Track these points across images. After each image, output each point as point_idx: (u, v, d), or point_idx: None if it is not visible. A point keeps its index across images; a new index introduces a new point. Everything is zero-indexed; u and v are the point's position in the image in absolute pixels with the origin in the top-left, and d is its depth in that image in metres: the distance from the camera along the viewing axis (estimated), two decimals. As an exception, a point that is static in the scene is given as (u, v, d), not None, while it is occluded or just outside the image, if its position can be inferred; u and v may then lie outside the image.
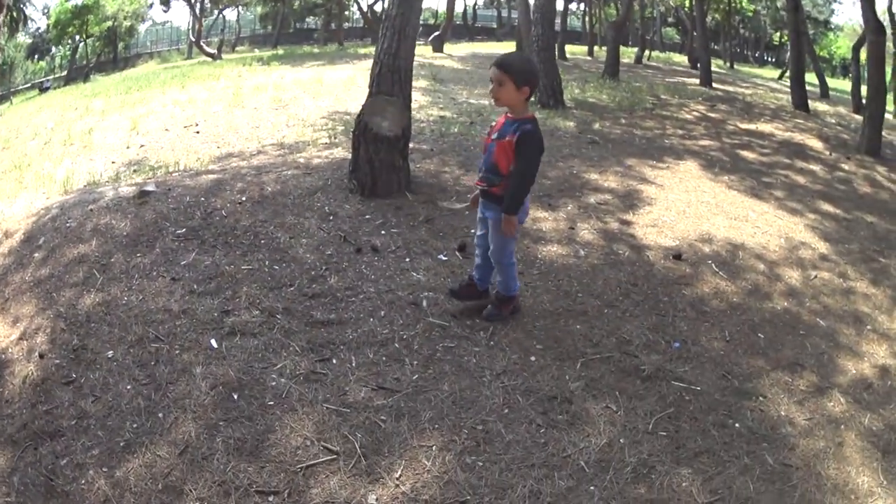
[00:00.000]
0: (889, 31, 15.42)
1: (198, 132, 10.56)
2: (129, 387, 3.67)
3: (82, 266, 4.98)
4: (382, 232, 5.42)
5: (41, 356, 4.10)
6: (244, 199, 5.69)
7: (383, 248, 5.17)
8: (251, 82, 16.72)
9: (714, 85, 19.77)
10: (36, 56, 69.08)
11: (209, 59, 32.87)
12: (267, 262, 4.82)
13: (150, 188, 6.06)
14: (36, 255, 5.41)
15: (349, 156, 6.51)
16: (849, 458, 3.77)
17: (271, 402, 3.55)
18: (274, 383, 3.69)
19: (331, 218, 5.56)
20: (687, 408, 3.89)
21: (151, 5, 58.12)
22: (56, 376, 3.90)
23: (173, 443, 3.29)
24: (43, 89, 47.44)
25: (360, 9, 48.32)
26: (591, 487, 3.25)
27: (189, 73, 22.43)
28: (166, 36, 63.75)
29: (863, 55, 22.13)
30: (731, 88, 20.37)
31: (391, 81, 6.30)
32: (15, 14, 37.88)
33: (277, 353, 3.93)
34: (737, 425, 3.83)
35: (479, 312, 4.46)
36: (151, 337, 4.05)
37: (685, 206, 6.98)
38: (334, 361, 3.91)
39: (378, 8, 44.67)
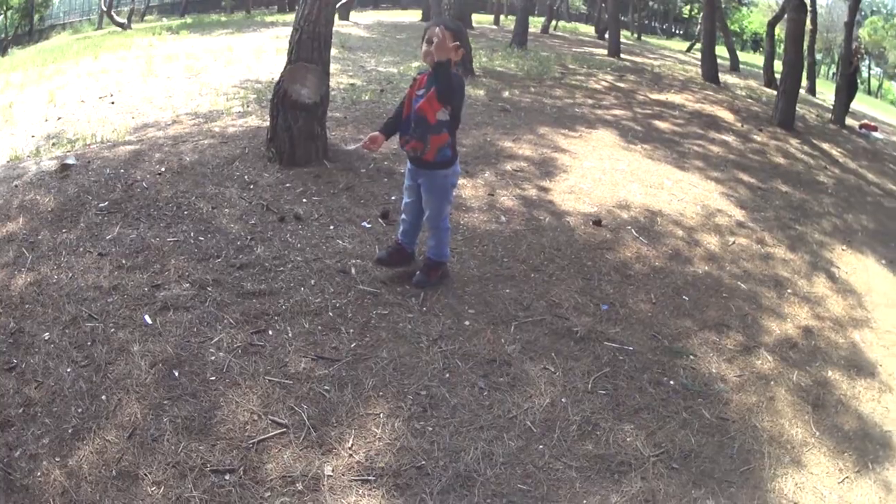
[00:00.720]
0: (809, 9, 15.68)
1: (112, 103, 9.85)
2: (69, 370, 3.40)
3: (11, 245, 4.59)
4: (304, 200, 5.21)
5: None
6: (164, 169, 5.40)
7: (306, 216, 4.98)
8: (162, 51, 15.82)
9: (622, 56, 19.56)
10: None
11: (119, 29, 31.27)
12: (192, 234, 4.56)
13: (70, 161, 5.65)
14: None
15: (264, 124, 6.26)
16: (781, 411, 3.86)
17: (213, 378, 3.36)
18: (213, 357, 3.49)
19: (251, 187, 5.32)
20: (622, 367, 3.90)
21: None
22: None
23: (121, 426, 3.06)
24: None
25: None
26: (541, 446, 3.23)
27: (101, 44, 21.16)
28: (78, 6, 60.55)
29: (778, 31, 22.58)
30: (639, 59, 20.27)
31: (311, 48, 6.01)
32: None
33: (213, 327, 3.72)
34: (671, 382, 3.87)
35: (409, 279, 4.34)
36: (85, 316, 3.76)
37: (601, 174, 6.95)
38: (270, 333, 3.73)
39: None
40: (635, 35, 37.96)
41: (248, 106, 8.39)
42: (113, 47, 18.79)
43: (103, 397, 3.22)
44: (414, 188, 4.19)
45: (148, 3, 53.29)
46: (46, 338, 3.64)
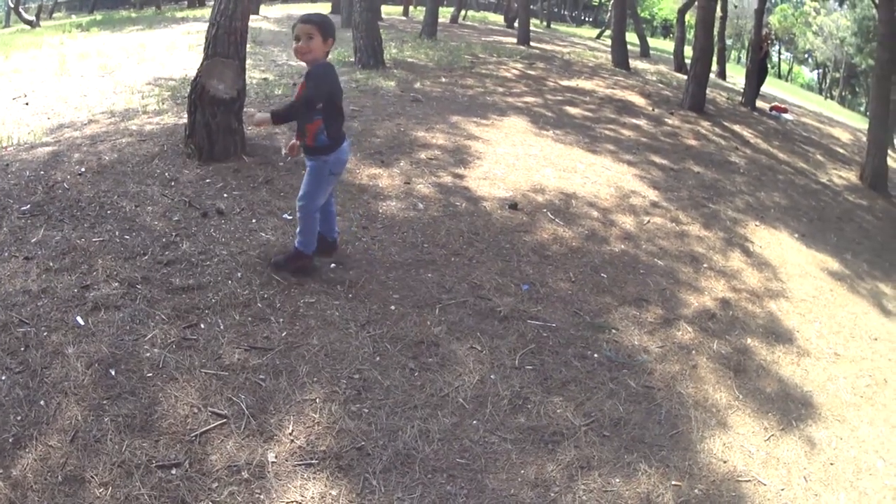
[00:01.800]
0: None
1: (27, 104, 9.13)
2: (3, 377, 3.13)
3: None
4: (225, 195, 4.98)
5: None
6: (84, 170, 5.08)
7: (228, 210, 4.76)
8: (74, 49, 14.77)
9: (532, 44, 19.12)
10: None
11: (27, 27, 29.49)
12: (117, 233, 4.30)
13: None
14: None
15: (180, 121, 5.97)
16: (704, 378, 3.93)
17: (150, 374, 3.18)
18: (148, 354, 3.30)
19: (172, 184, 5.05)
20: (546, 343, 3.90)
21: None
22: None
23: (62, 430, 2.86)
24: None
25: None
26: (475, 422, 3.21)
27: (10, 42, 19.71)
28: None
29: (688, 17, 22.71)
30: (549, 47, 19.92)
31: (227, 43, 5.72)
32: None
33: (145, 324, 3.51)
34: (595, 356, 3.89)
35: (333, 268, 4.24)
36: (16, 321, 3.48)
37: (514, 160, 6.86)
38: (202, 326, 3.56)
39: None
40: (544, 23, 37.17)
41: (163, 103, 8.00)
42: (23, 46, 17.56)
43: (42, 402, 2.99)
44: None
45: (55, 1, 50.51)
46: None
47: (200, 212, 4.68)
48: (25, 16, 34.08)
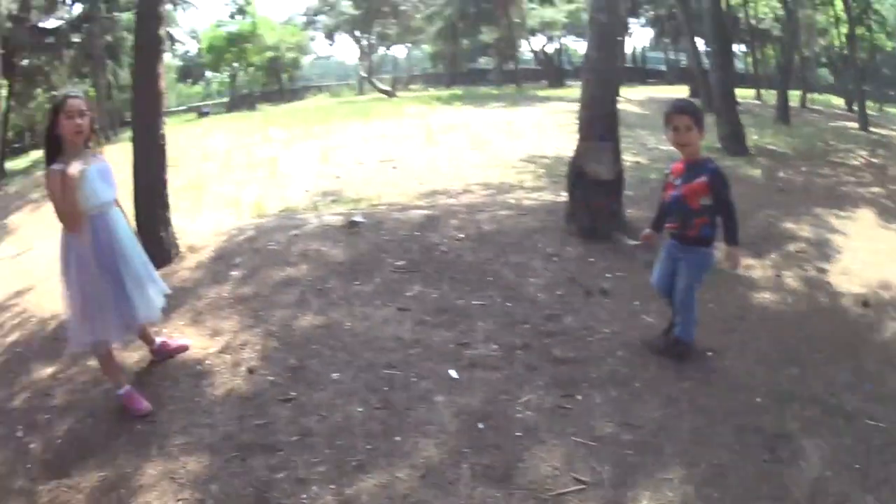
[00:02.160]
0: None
1: (395, 168, 11.29)
2: (360, 409, 4.03)
3: (293, 288, 5.52)
4: (608, 275, 5.71)
5: (251, 371, 4.55)
6: (462, 236, 6.07)
7: (612, 291, 5.46)
8: (439, 121, 17.61)
9: (870, 129, 20.08)
10: (189, 79, 73.31)
11: (384, 97, 34.21)
12: (499, 299, 5.17)
13: (358, 219, 6.62)
14: (233, 273, 6.05)
15: (558, 198, 6.83)
16: None
17: (519, 433, 3.83)
18: (520, 415, 3.98)
19: (555, 259, 5.90)
20: (874, 442, 4.01)
21: (314, 38, 60.57)
22: (271, 392, 4.31)
23: (413, 466, 3.59)
24: (202, 114, 50.24)
25: (532, 50, 49.14)
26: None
27: (369, 110, 23.58)
28: (332, 70, 66.61)
29: None
30: (884, 132, 20.58)
31: (602, 127, 6.57)
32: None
33: (521, 387, 4.23)
34: None
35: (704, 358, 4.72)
36: (383, 363, 4.42)
37: (867, 255, 7.13)
38: (579, 397, 4.17)
39: (550, 49, 45.47)
40: (877, 105, 36.84)
41: (539, 179, 9.17)
42: (383, 114, 20.85)
43: (397, 438, 3.79)
44: (673, 262, 4.57)
45: (410, 72, 57.16)
46: (335, 377, 4.36)
47: (584, 289, 5.45)
48: (381, 85, 39.59)
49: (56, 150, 4.23)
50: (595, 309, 5.19)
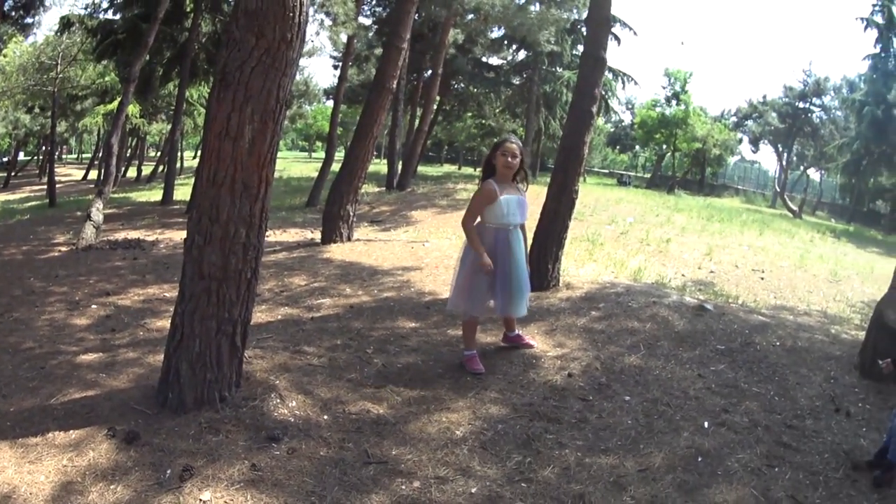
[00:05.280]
0: None
1: (762, 278, 12.43)
2: (629, 420, 5.21)
3: (631, 337, 6.88)
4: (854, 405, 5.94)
5: (569, 375, 6.05)
6: (777, 344, 6.83)
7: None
8: (817, 250, 18.07)
9: None
10: (617, 147, 76.02)
11: (789, 215, 34.30)
12: (771, 393, 5.84)
13: (708, 307, 7.75)
14: (593, 312, 7.64)
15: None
16: None
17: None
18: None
19: (830, 381, 6.23)
20: None
21: (741, 140, 60.46)
22: (576, 392, 5.74)
23: (645, 466, 4.57)
24: (622, 182, 52.54)
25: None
26: None
27: (769, 223, 24.34)
28: (753, 176, 65.89)
29: None
30: None
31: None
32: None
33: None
34: None
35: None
36: (664, 401, 5.54)
37: None
38: None
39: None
40: None
41: (865, 322, 9.39)
42: (778, 230, 21.58)
43: (641, 445, 4.78)
44: None
45: (820, 197, 55.40)
46: (626, 399, 5.62)
47: (835, 406, 5.79)
48: (790, 204, 39.23)
49: (490, 173, 6.04)
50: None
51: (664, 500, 4.20)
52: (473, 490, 4.23)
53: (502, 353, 6.54)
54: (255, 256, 5.15)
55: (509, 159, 5.93)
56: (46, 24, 48.43)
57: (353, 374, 5.99)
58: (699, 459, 4.69)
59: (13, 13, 28.01)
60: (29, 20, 29.88)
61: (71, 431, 4.80)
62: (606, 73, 41.29)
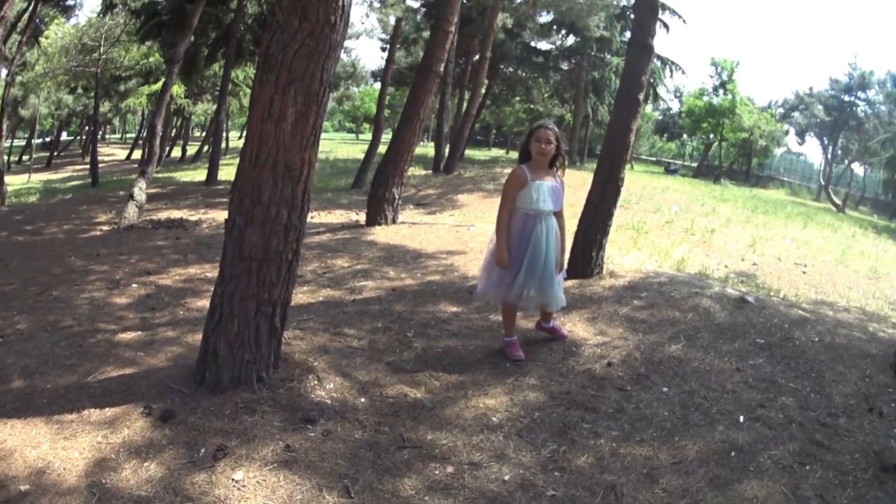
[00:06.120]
0: None
1: (804, 272, 12.27)
2: (665, 413, 5.17)
3: (672, 327, 6.82)
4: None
5: (609, 364, 6.00)
6: (816, 340, 6.72)
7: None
8: (859, 246, 17.78)
9: None
10: (665, 135, 75.45)
11: (833, 209, 33.87)
12: (807, 389, 5.77)
13: (749, 299, 7.63)
14: (635, 301, 7.58)
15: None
16: None
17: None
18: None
19: (865, 380, 6.11)
20: None
21: (787, 132, 59.74)
22: (614, 381, 5.69)
23: (678, 459, 4.54)
24: (670, 171, 52.14)
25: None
26: None
27: (813, 217, 24.08)
28: (799, 169, 65.10)
29: None
30: None
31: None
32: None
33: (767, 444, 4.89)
34: None
35: None
36: (700, 394, 5.49)
37: None
38: None
39: None
40: None
41: None
42: (821, 224, 21.27)
43: (676, 438, 4.74)
44: None
45: (863, 192, 54.58)
46: (664, 390, 5.57)
47: (868, 406, 5.70)
48: (834, 198, 38.71)
49: (525, 158, 6.02)
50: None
51: (695, 493, 4.17)
52: (507, 477, 4.24)
53: (544, 340, 6.52)
54: (296, 238, 5.17)
55: (543, 146, 5.87)
56: (88, 5, 48.96)
57: (393, 358, 6.03)
58: (732, 454, 4.65)
59: (54, -5, 28.47)
60: (70, 2, 30.38)
61: (107, 409, 4.88)
62: (654, 60, 41.36)
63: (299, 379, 5.34)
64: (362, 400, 5.20)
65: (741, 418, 5.16)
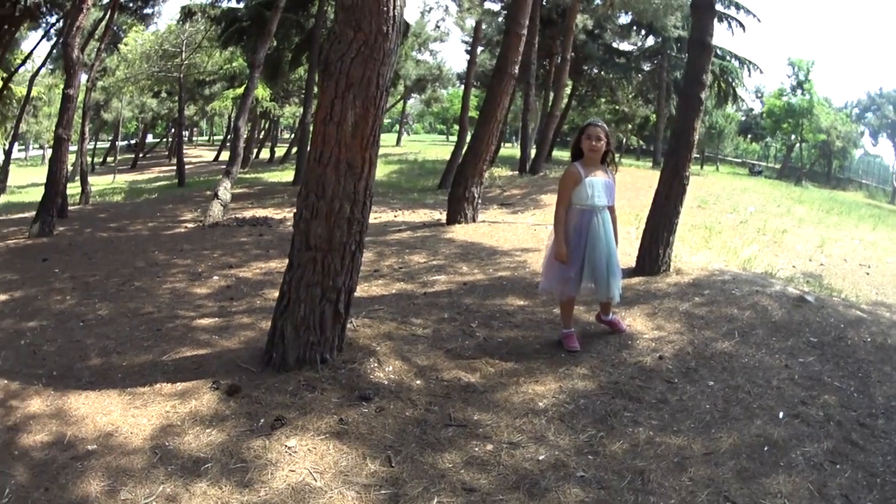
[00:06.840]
0: None
1: (867, 273, 12.13)
2: (707, 405, 5.30)
3: (729, 324, 6.91)
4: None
5: (660, 357, 6.18)
6: (868, 340, 6.72)
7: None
8: None
9: None
10: (749, 136, 74.04)
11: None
12: (852, 388, 5.78)
13: (809, 298, 7.67)
14: (696, 298, 7.68)
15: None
16: None
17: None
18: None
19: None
20: None
21: (863, 133, 58.17)
22: (663, 374, 5.86)
23: (713, 450, 4.67)
24: (754, 172, 51.31)
25: None
26: None
27: (884, 219, 23.49)
28: (875, 171, 63.17)
29: None
30: None
31: None
32: (723, 86, 42.06)
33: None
34: None
35: None
36: (745, 388, 5.60)
37: None
38: None
39: None
40: None
41: None
42: (891, 226, 20.87)
43: (713, 430, 4.87)
44: None
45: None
46: (710, 384, 5.71)
47: None
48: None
49: (578, 156, 6.26)
50: None
51: (720, 483, 4.31)
52: (541, 457, 4.48)
53: (602, 333, 6.73)
54: (359, 230, 5.56)
55: (593, 143, 6.11)
56: (168, 13, 50.33)
57: (454, 346, 6.32)
58: (765, 448, 4.76)
59: (130, 4, 29.38)
60: (148, 10, 31.31)
61: (178, 384, 5.35)
62: (732, 60, 40.93)
63: (361, 361, 5.71)
64: (418, 382, 5.53)
65: (780, 414, 5.26)
